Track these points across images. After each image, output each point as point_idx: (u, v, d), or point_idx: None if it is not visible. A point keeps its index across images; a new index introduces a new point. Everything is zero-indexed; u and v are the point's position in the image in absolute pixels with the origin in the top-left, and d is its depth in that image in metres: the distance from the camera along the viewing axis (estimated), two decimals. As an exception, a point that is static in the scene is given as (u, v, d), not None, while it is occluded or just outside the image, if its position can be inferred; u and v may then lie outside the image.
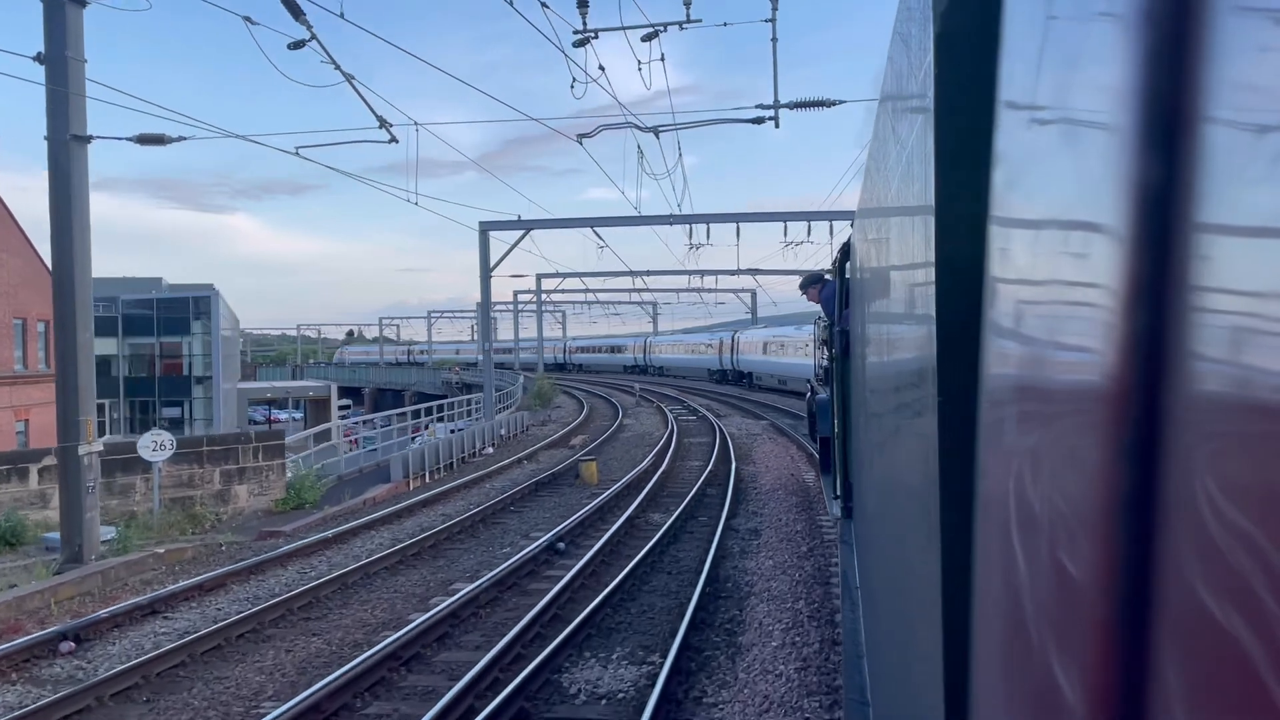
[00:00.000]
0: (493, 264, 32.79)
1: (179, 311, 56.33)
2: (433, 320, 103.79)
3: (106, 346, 56.87)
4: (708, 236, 33.68)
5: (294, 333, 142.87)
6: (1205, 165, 0.49)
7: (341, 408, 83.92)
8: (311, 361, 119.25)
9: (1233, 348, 0.45)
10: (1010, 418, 0.96)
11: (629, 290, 70.53)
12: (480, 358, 33.93)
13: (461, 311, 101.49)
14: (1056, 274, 0.77)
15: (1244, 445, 0.44)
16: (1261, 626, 0.40)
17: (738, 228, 33.50)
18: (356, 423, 32.17)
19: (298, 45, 12.66)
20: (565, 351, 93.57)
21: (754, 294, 70.57)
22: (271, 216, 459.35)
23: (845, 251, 8.23)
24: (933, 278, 1.53)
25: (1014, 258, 0.98)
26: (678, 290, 70.50)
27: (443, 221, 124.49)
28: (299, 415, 71.33)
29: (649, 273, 56.33)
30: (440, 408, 32.10)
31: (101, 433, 64.87)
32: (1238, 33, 0.46)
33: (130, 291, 57.55)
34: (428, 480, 22.09)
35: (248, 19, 12.45)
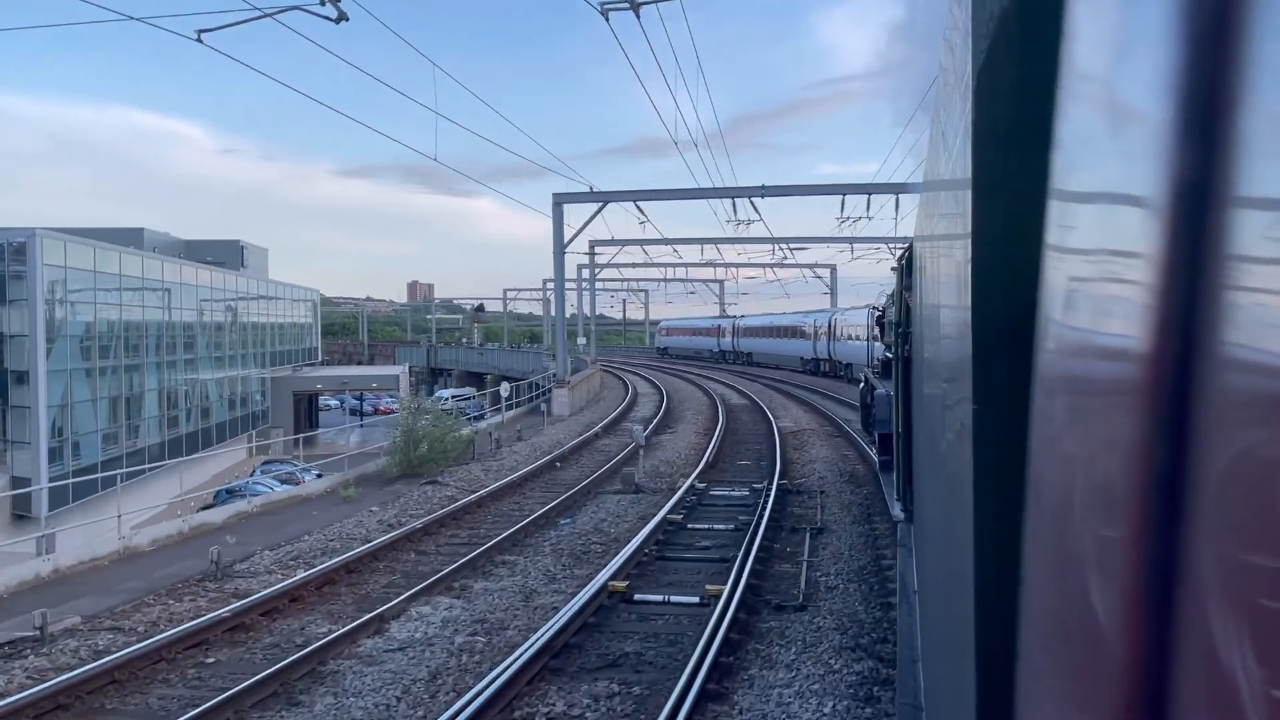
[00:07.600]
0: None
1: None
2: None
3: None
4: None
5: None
6: (1246, 153, 0.47)
7: (461, 397, 74.00)
8: (465, 341, 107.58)
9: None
10: (1063, 413, 0.88)
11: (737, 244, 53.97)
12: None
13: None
14: (1104, 268, 0.73)
15: None
16: None
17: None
18: None
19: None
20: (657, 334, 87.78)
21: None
22: (507, 201, 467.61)
23: (910, 250, 8.72)
24: (969, 268, 1.58)
25: (1070, 243, 0.93)
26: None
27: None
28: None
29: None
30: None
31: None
32: (1276, 20, 0.45)
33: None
34: None
35: None
